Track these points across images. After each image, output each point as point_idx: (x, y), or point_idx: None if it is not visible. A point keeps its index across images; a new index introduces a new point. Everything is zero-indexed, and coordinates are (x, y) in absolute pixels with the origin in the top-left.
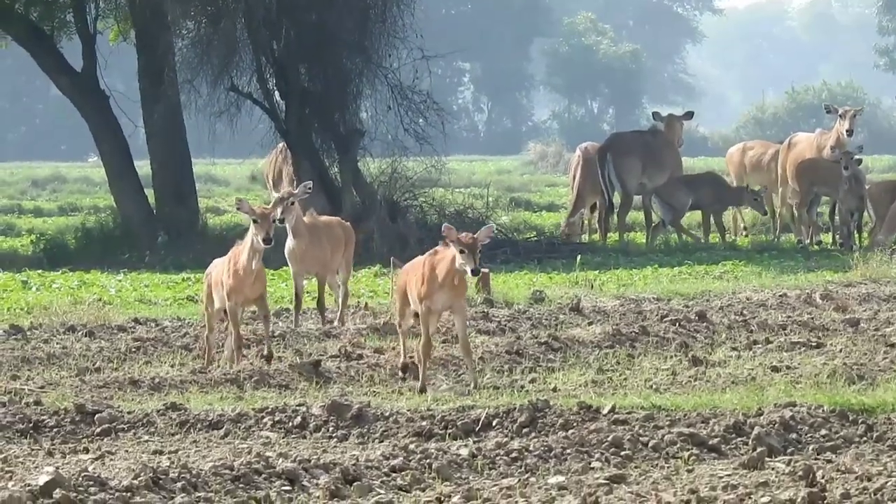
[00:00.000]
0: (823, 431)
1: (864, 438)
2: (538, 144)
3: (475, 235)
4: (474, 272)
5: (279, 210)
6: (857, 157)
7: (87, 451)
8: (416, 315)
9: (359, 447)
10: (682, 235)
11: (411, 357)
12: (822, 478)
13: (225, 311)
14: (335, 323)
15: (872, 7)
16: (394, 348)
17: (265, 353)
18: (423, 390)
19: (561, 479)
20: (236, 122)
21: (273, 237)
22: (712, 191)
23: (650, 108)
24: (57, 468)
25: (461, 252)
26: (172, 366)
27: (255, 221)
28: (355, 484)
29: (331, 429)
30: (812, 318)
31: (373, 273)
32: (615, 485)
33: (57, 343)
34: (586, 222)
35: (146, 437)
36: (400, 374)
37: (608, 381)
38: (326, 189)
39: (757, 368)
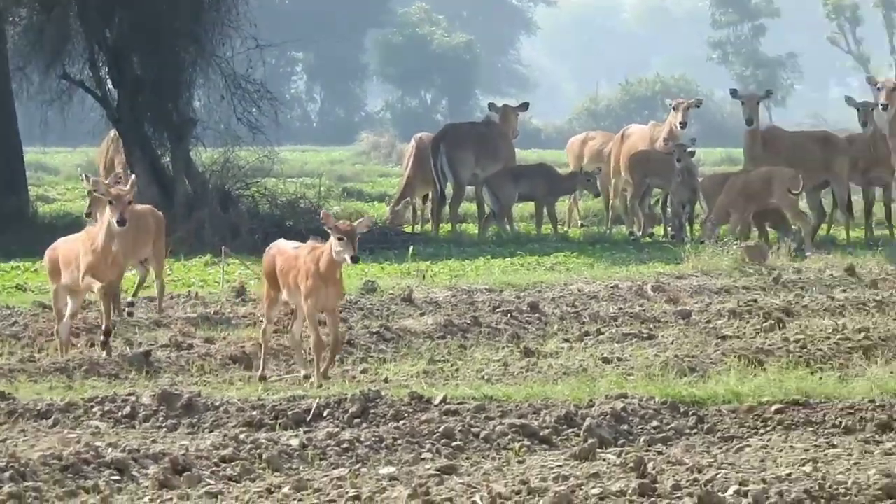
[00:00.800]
0: (654, 423)
1: (695, 430)
2: (371, 135)
3: (353, 223)
4: (354, 259)
5: (134, 191)
6: (690, 149)
7: None
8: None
9: (189, 437)
10: (507, 226)
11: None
12: (653, 469)
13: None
14: (156, 314)
15: (706, 0)
16: (224, 338)
17: (103, 328)
18: (321, 385)
19: (392, 469)
20: (68, 110)
21: (127, 219)
22: (544, 182)
23: (484, 100)
24: None
25: (339, 239)
26: (1, 354)
27: (110, 203)
28: (185, 474)
29: (160, 418)
30: (644, 310)
31: (204, 262)
32: (446, 476)
33: None
34: (419, 213)
35: None
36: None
37: (440, 372)
38: (158, 178)
39: (588, 360)
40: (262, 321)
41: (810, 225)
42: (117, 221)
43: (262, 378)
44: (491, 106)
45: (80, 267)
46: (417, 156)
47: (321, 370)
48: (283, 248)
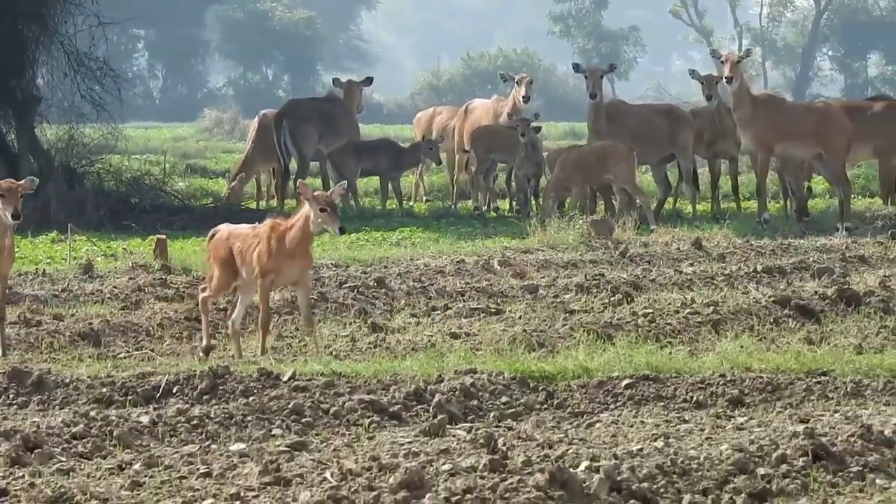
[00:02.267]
0: (504, 398)
1: (545, 405)
2: (213, 111)
3: (330, 193)
4: (342, 230)
5: (27, 186)
6: (535, 123)
7: None
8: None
9: (39, 414)
10: (352, 202)
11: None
12: (504, 445)
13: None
14: None
15: None
16: (73, 315)
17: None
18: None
19: (242, 446)
20: None
21: (21, 212)
22: (388, 156)
23: (325, 75)
24: None
25: (322, 210)
26: None
27: (1, 196)
28: (36, 451)
29: (11, 396)
30: (490, 285)
31: (50, 239)
32: (296, 452)
33: None
34: (264, 189)
35: None
36: (202, 355)
37: (288, 348)
38: (3, 155)
39: (436, 335)
40: (204, 293)
41: (649, 199)
42: (11, 215)
43: (208, 349)
44: (335, 81)
45: None
46: (259, 132)
47: (264, 345)
48: (237, 231)
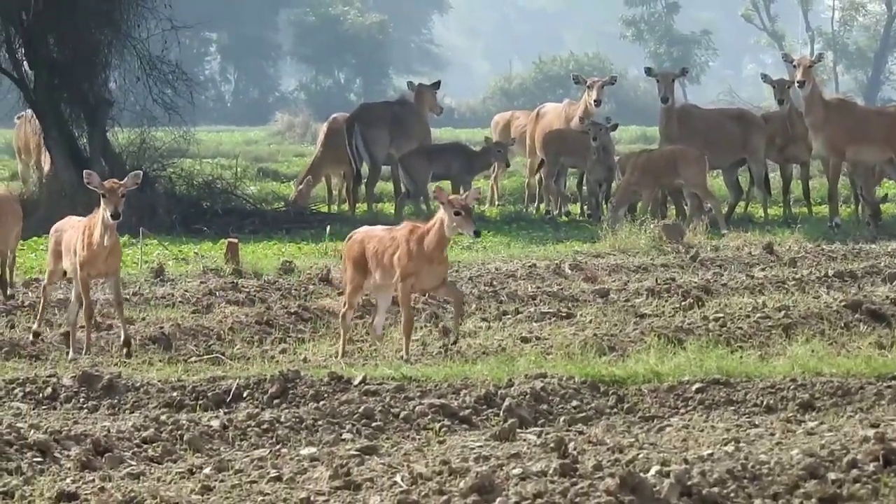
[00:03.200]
0: (574, 403)
1: (615, 410)
2: (285, 115)
3: (465, 198)
4: (477, 234)
5: (130, 184)
6: (612, 123)
7: None
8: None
9: (110, 418)
10: (423, 205)
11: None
12: (574, 449)
13: (65, 273)
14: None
15: None
16: (143, 318)
17: (122, 340)
18: (407, 360)
19: (313, 450)
20: None
21: (122, 212)
22: (459, 160)
23: (397, 79)
24: None
25: (456, 214)
26: None
27: (103, 196)
28: (107, 455)
29: (81, 399)
30: (562, 289)
31: (122, 243)
32: (367, 456)
33: None
34: (335, 192)
35: None
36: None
37: (359, 352)
38: (75, 159)
39: (507, 339)
40: (344, 307)
41: (720, 203)
42: (111, 215)
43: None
44: (409, 85)
45: (77, 254)
46: (328, 135)
47: (408, 349)
48: (373, 232)
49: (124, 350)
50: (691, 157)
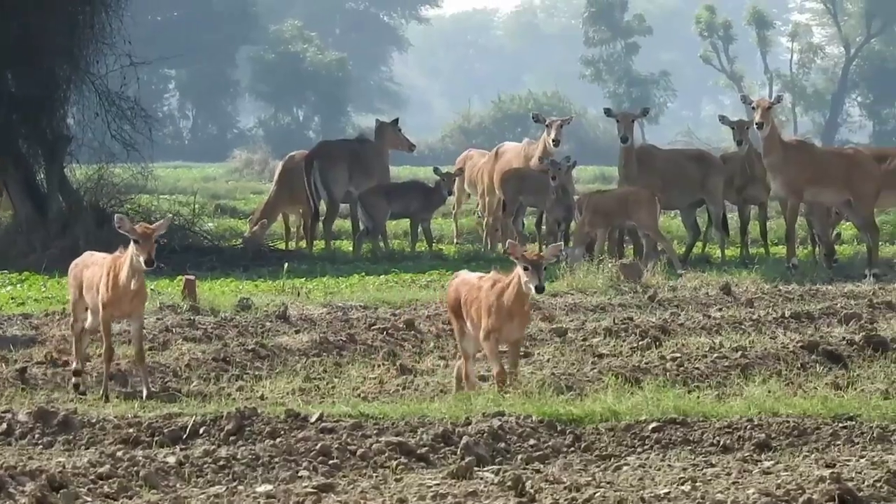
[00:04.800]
0: (532, 441)
1: (572, 448)
2: (243, 152)
3: (542, 254)
4: (538, 289)
5: (162, 229)
6: (572, 162)
7: None
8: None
9: (65, 454)
10: (382, 244)
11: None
12: (532, 488)
13: (86, 308)
14: None
15: (578, 18)
16: (100, 355)
17: (144, 395)
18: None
19: (269, 487)
20: None
21: (155, 258)
22: (417, 198)
23: (356, 116)
24: None
25: (525, 269)
26: None
27: (135, 242)
28: (62, 491)
29: (37, 435)
30: None
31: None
32: (323, 493)
33: None
34: (293, 230)
35: None
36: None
37: (315, 389)
38: (32, 195)
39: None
40: (459, 361)
41: (672, 244)
42: (145, 262)
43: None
44: (377, 122)
45: (100, 292)
46: (283, 174)
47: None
48: (466, 279)
49: (144, 395)
50: (643, 198)
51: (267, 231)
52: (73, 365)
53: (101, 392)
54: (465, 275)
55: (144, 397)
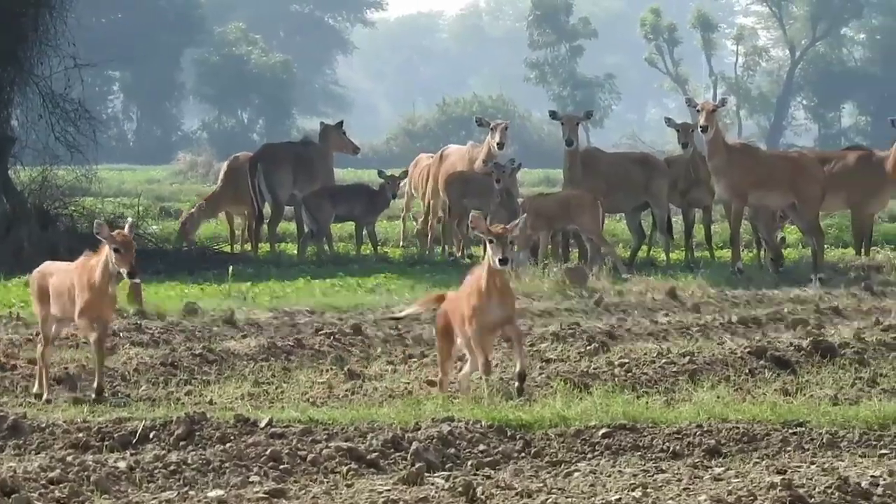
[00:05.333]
0: (482, 447)
1: (523, 454)
2: (188, 154)
3: (507, 226)
4: (503, 262)
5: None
6: (516, 164)
7: None
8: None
9: (16, 459)
10: (326, 247)
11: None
12: (482, 493)
13: (59, 320)
14: None
15: (523, 21)
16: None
17: (95, 385)
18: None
19: (220, 492)
20: None
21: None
22: (362, 201)
23: (300, 119)
24: None
25: (490, 242)
26: None
27: (116, 250)
28: (13, 496)
29: None
30: None
31: (24, 282)
32: (275, 499)
33: None
34: (238, 232)
35: None
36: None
37: (264, 394)
38: None
39: (413, 382)
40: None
41: (614, 249)
42: (128, 274)
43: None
44: (321, 125)
45: (76, 298)
46: (228, 174)
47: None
48: (450, 297)
49: (94, 395)
50: (585, 202)
51: (202, 222)
52: (36, 389)
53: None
54: (450, 296)
55: (94, 396)
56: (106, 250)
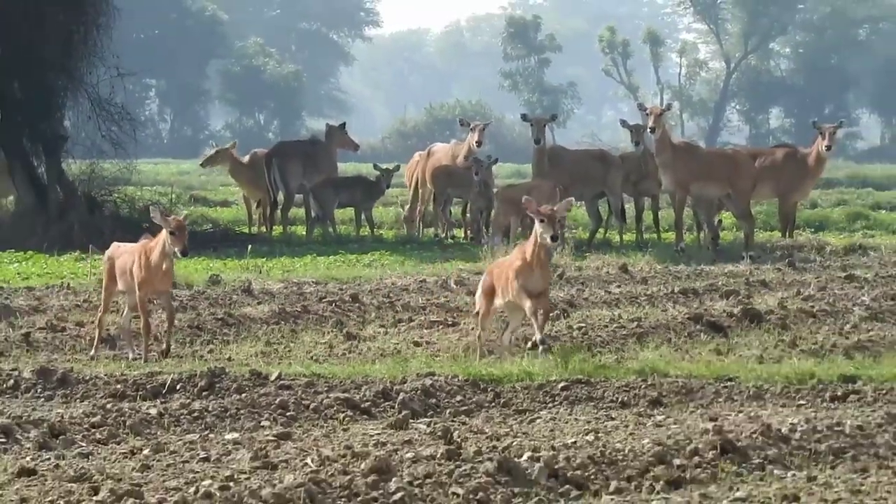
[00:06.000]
0: (459, 397)
1: (493, 404)
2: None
3: (554, 207)
4: (553, 238)
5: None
6: (493, 159)
7: None
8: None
9: (63, 406)
10: (331, 229)
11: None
12: (458, 437)
13: (122, 292)
14: None
15: (499, 37)
16: (92, 322)
17: (164, 347)
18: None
19: (236, 435)
20: None
21: (188, 248)
22: (361, 190)
23: (309, 121)
24: None
25: (541, 221)
26: None
27: (171, 233)
28: (60, 437)
29: (39, 390)
30: (448, 301)
31: (74, 258)
32: (282, 441)
33: None
34: (255, 216)
35: None
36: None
37: (275, 353)
38: (35, 186)
39: (402, 343)
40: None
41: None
42: (181, 252)
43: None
44: (327, 126)
45: (134, 275)
46: (248, 164)
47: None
48: (495, 262)
49: (162, 356)
50: (545, 190)
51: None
52: (92, 352)
53: (142, 355)
54: (497, 262)
55: (164, 350)
56: (163, 234)
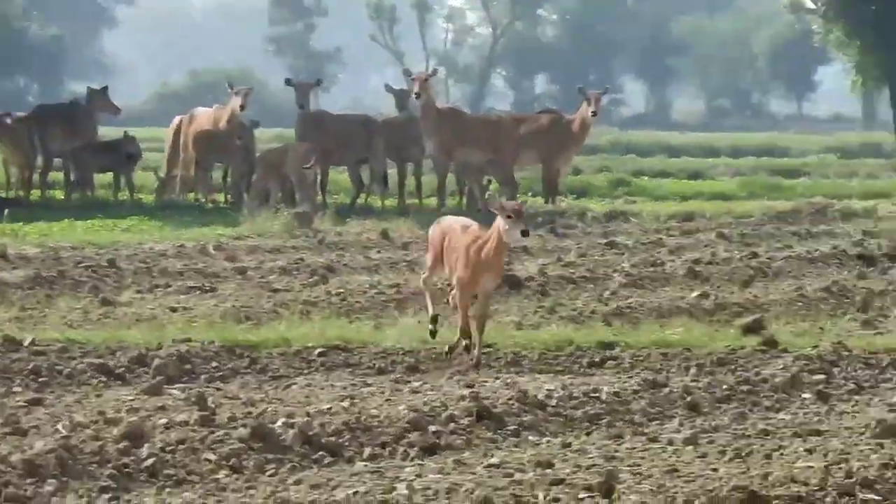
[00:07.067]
0: (215, 363)
1: (249, 370)
2: None
3: (520, 202)
4: (524, 233)
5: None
6: (254, 121)
7: None
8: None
9: None
10: (90, 193)
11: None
12: (213, 403)
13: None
14: None
15: (265, 1)
16: None
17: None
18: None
19: None
20: None
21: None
22: (119, 154)
23: (72, 85)
24: None
25: (508, 218)
26: None
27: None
28: None
29: None
30: (206, 267)
31: None
32: (34, 406)
33: None
34: (13, 181)
35: None
36: (430, 327)
37: (29, 318)
38: None
39: (158, 309)
40: (424, 275)
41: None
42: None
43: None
44: (88, 90)
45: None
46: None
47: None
48: (452, 225)
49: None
50: (300, 151)
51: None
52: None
53: None
54: (451, 221)
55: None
56: None
